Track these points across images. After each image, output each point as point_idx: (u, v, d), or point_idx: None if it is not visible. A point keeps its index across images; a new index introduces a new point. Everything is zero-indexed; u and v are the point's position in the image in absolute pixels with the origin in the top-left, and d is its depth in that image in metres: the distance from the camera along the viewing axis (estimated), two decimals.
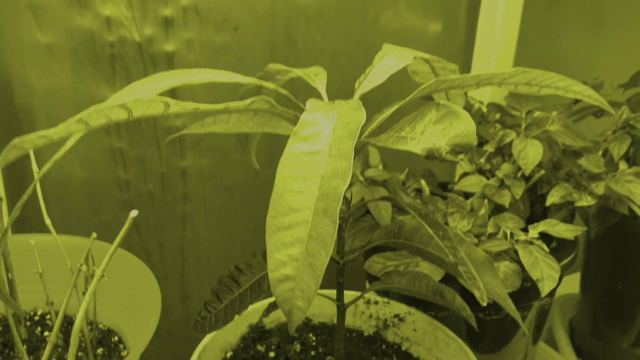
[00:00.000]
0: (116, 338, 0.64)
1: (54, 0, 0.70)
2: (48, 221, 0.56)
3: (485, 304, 0.39)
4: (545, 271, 0.54)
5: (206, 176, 0.88)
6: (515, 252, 0.58)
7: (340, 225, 0.46)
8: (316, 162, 0.32)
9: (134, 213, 0.50)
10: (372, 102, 0.49)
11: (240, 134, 0.58)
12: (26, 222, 0.77)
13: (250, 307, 0.64)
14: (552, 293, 0.72)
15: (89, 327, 0.65)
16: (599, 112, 0.92)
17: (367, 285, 0.77)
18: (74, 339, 0.49)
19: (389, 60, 0.45)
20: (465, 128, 0.35)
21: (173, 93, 0.80)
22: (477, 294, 0.39)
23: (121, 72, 0.77)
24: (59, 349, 0.62)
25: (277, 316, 0.67)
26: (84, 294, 0.59)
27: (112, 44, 0.75)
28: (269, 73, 0.48)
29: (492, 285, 0.46)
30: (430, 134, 0.36)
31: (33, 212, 0.76)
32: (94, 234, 0.53)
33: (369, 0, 0.89)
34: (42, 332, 0.65)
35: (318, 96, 0.50)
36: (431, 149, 0.35)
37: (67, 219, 0.81)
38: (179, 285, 0.93)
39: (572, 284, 1.05)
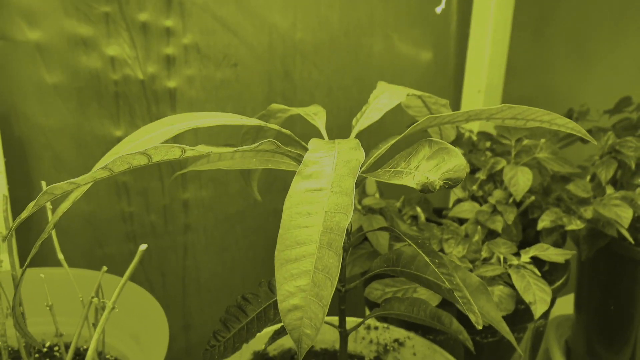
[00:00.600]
0: None
1: (61, 42, 0.73)
2: (61, 256, 0.59)
3: (480, 327, 0.41)
4: (537, 294, 0.57)
5: (207, 207, 0.90)
6: (509, 276, 0.61)
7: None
8: (320, 199, 0.34)
9: (143, 246, 0.53)
10: (368, 132, 0.52)
11: (243, 170, 0.61)
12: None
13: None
14: (546, 315, 0.74)
15: (98, 357, 0.66)
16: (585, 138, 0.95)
17: (367, 310, 0.79)
18: None
19: (384, 99, 0.48)
20: (456, 163, 0.38)
21: None
22: (472, 317, 0.41)
23: (125, 109, 0.80)
24: None
25: (281, 343, 0.68)
26: (94, 325, 0.60)
27: (116, 82, 0.78)
28: (271, 111, 0.51)
29: (486, 309, 0.48)
30: (425, 169, 0.38)
31: (42, 248, 0.78)
32: (105, 268, 0.56)
33: (362, 34, 0.93)
34: None
35: (316, 131, 0.53)
36: (426, 183, 0.38)
37: (72, 251, 0.82)
38: (180, 314, 0.94)
39: (567, 305, 1.08)
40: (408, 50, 0.99)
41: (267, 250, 0.97)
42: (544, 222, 0.74)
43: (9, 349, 0.66)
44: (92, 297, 0.55)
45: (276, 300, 0.47)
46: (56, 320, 0.64)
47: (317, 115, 0.49)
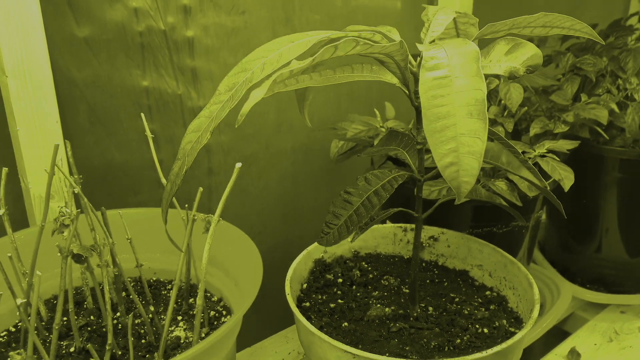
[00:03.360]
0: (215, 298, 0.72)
1: None
2: (164, 180, 0.64)
3: (546, 184, 0.53)
4: (562, 173, 0.69)
5: (226, 150, 0.96)
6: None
7: (423, 149, 0.57)
8: (447, 84, 0.43)
9: (238, 165, 0.59)
10: None
11: (299, 95, 0.68)
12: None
13: (312, 246, 0.74)
14: (543, 207, 0.88)
15: (183, 283, 0.72)
16: (546, 61, 1.09)
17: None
18: (201, 277, 0.57)
19: (441, 16, 0.57)
20: (533, 53, 0.48)
21: (194, 73, 0.88)
22: (536, 181, 0.52)
23: (149, 59, 0.83)
24: (151, 307, 0.69)
25: (332, 251, 0.77)
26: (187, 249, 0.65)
27: (141, 33, 0.81)
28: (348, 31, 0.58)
29: (530, 177, 0.59)
30: (508, 60, 0.48)
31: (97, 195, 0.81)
32: (201, 188, 0.62)
33: None
34: (128, 295, 0.72)
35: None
36: (512, 70, 0.48)
37: (109, 199, 0.86)
38: None
39: None
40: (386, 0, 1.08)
41: (279, 190, 1.05)
42: (534, 129, 0.87)
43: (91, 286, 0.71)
44: (193, 215, 0.61)
45: (376, 190, 0.56)
46: (136, 251, 0.69)
47: (391, 32, 0.57)
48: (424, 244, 0.79)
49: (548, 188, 0.53)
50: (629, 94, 0.94)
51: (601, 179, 1.01)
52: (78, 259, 0.55)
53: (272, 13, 0.94)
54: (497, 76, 0.92)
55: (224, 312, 0.69)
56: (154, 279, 0.76)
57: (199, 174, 0.94)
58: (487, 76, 0.90)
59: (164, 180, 0.67)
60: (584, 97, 0.90)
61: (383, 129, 0.83)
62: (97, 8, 0.77)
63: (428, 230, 0.79)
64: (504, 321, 0.66)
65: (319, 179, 1.09)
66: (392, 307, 0.68)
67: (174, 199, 0.69)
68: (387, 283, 0.74)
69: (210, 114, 0.48)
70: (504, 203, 0.62)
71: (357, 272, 0.75)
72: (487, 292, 0.72)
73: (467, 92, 0.42)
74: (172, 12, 0.83)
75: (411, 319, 0.66)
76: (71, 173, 0.69)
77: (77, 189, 0.60)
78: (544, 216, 1.18)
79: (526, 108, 0.87)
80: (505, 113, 0.88)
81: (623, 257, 1.05)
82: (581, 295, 1.02)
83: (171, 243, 0.66)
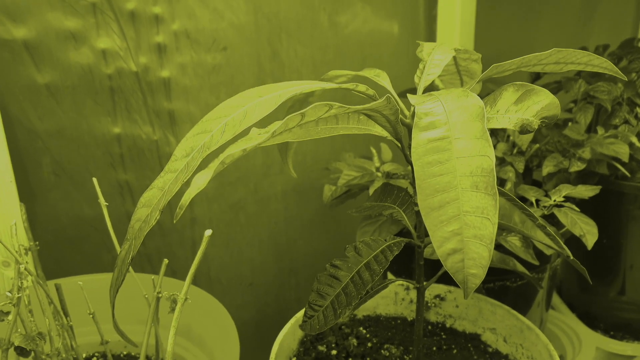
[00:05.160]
0: None
1: (49, 38, 0.69)
2: (118, 248, 0.55)
3: (569, 254, 0.44)
4: (584, 227, 0.61)
5: (211, 198, 0.88)
6: (543, 217, 0.64)
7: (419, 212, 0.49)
8: (446, 147, 0.35)
9: (208, 232, 0.51)
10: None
11: (280, 145, 0.60)
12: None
13: (302, 312, 0.66)
14: (559, 254, 0.79)
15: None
16: (555, 89, 1.01)
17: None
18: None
19: (437, 55, 0.49)
20: (547, 102, 0.40)
21: (172, 116, 0.80)
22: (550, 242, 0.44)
23: (121, 104, 0.76)
24: None
25: None
26: (153, 324, 0.58)
27: (110, 76, 0.74)
28: (329, 78, 0.51)
29: (547, 241, 0.51)
30: (518, 110, 0.40)
31: (50, 260, 0.74)
32: (166, 260, 0.54)
33: (339, 9, 0.94)
34: None
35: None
36: (524, 124, 0.40)
37: (81, 258, 0.78)
38: None
39: None
40: (382, 24, 1.00)
41: (270, 237, 0.96)
42: (548, 168, 0.78)
43: None
44: (158, 292, 0.53)
45: (368, 262, 0.47)
46: (100, 327, 0.61)
47: (379, 77, 0.49)
48: (429, 304, 0.70)
49: (571, 257, 0.45)
50: None
51: (622, 215, 0.92)
52: (21, 352, 0.47)
53: (257, 48, 0.86)
54: None
55: None
56: (125, 353, 0.67)
57: (181, 226, 0.86)
58: (493, 131, 0.83)
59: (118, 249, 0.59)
60: (600, 131, 0.82)
61: (379, 174, 0.75)
62: (59, 52, 0.70)
63: (434, 289, 0.70)
64: None
65: (315, 223, 1.01)
66: None
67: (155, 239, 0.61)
68: (387, 354, 0.65)
69: (163, 184, 0.41)
70: (519, 267, 0.54)
71: (354, 340, 0.66)
72: None
73: (471, 159, 0.34)
74: (144, 52, 0.76)
75: None
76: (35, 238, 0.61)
77: (25, 265, 0.52)
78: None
79: (537, 145, 0.79)
80: (515, 151, 0.80)
81: None
82: (605, 347, 0.93)
83: (145, 311, 0.59)
